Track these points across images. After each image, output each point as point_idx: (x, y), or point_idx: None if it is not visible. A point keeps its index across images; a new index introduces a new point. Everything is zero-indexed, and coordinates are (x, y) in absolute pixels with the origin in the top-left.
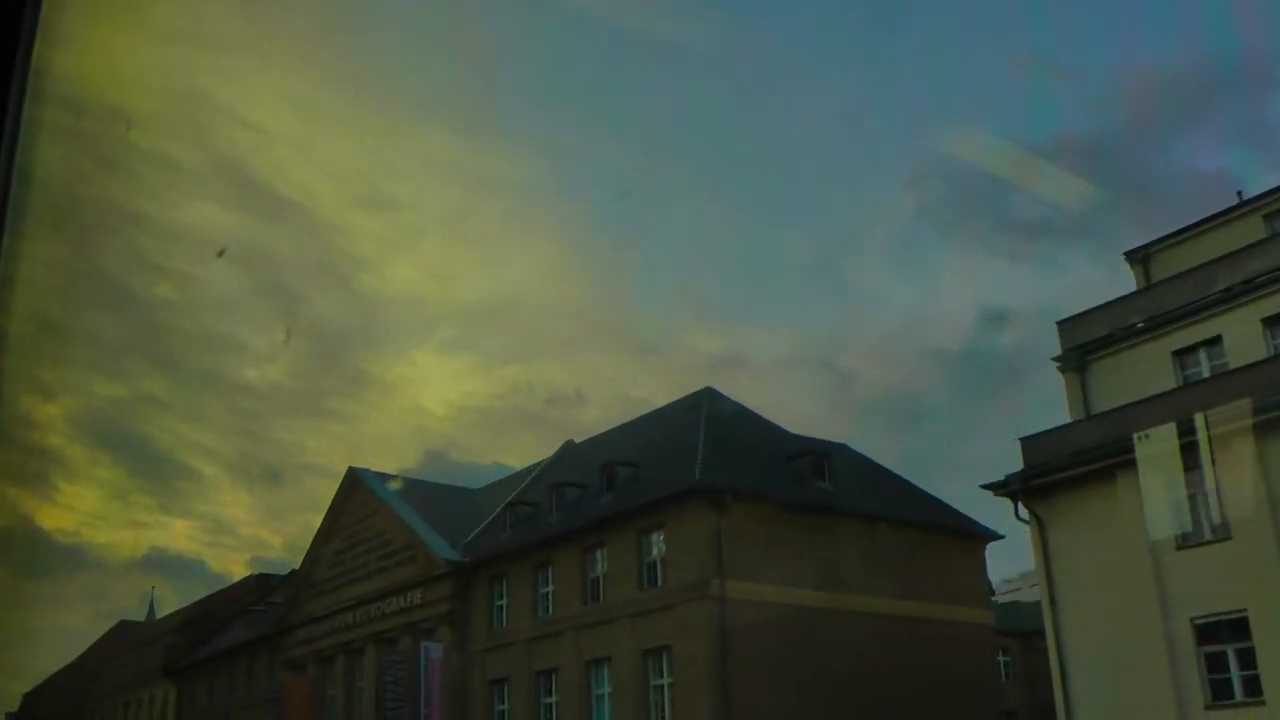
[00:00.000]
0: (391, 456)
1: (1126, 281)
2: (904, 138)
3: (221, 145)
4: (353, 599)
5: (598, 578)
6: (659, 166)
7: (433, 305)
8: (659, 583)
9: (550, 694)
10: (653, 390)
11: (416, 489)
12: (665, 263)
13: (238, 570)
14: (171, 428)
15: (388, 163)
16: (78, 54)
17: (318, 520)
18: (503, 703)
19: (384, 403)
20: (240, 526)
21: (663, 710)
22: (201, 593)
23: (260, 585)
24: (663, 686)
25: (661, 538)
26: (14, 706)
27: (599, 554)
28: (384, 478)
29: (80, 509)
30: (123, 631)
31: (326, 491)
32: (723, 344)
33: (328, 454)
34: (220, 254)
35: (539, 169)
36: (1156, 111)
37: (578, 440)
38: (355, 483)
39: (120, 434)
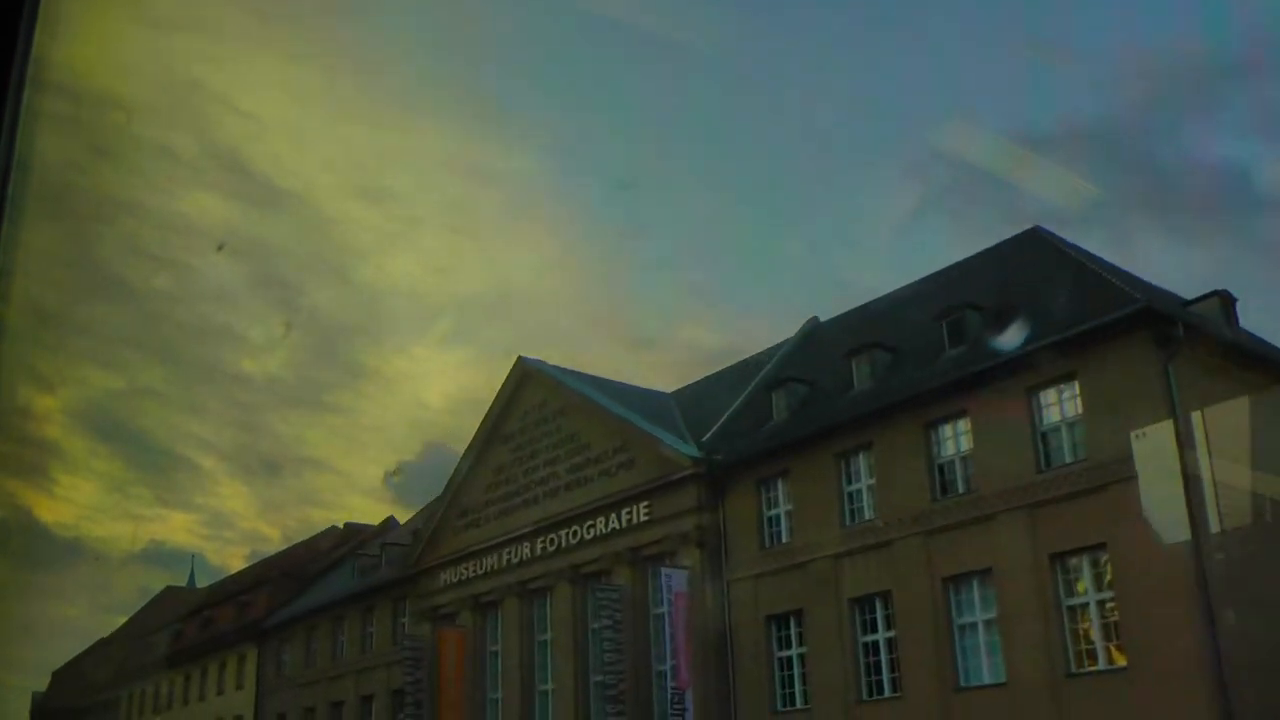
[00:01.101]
0: (390, 449)
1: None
2: (906, 128)
3: (218, 135)
4: (528, 525)
5: (951, 460)
6: (657, 159)
7: (432, 298)
8: (1068, 457)
9: (876, 628)
10: (653, 382)
11: (595, 386)
12: (664, 255)
13: (236, 564)
14: (169, 420)
15: (385, 153)
16: (76, 43)
17: (318, 514)
18: (791, 645)
19: (383, 396)
20: (239, 520)
21: (1088, 640)
22: (200, 585)
23: (349, 535)
24: (1088, 605)
25: (1071, 394)
26: (41, 685)
27: (951, 427)
28: (564, 372)
29: (79, 502)
30: (172, 598)
31: (325, 485)
32: (722, 337)
33: (326, 447)
34: (220, 249)
35: (537, 161)
36: (1162, 98)
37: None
38: (528, 378)
39: (118, 426)
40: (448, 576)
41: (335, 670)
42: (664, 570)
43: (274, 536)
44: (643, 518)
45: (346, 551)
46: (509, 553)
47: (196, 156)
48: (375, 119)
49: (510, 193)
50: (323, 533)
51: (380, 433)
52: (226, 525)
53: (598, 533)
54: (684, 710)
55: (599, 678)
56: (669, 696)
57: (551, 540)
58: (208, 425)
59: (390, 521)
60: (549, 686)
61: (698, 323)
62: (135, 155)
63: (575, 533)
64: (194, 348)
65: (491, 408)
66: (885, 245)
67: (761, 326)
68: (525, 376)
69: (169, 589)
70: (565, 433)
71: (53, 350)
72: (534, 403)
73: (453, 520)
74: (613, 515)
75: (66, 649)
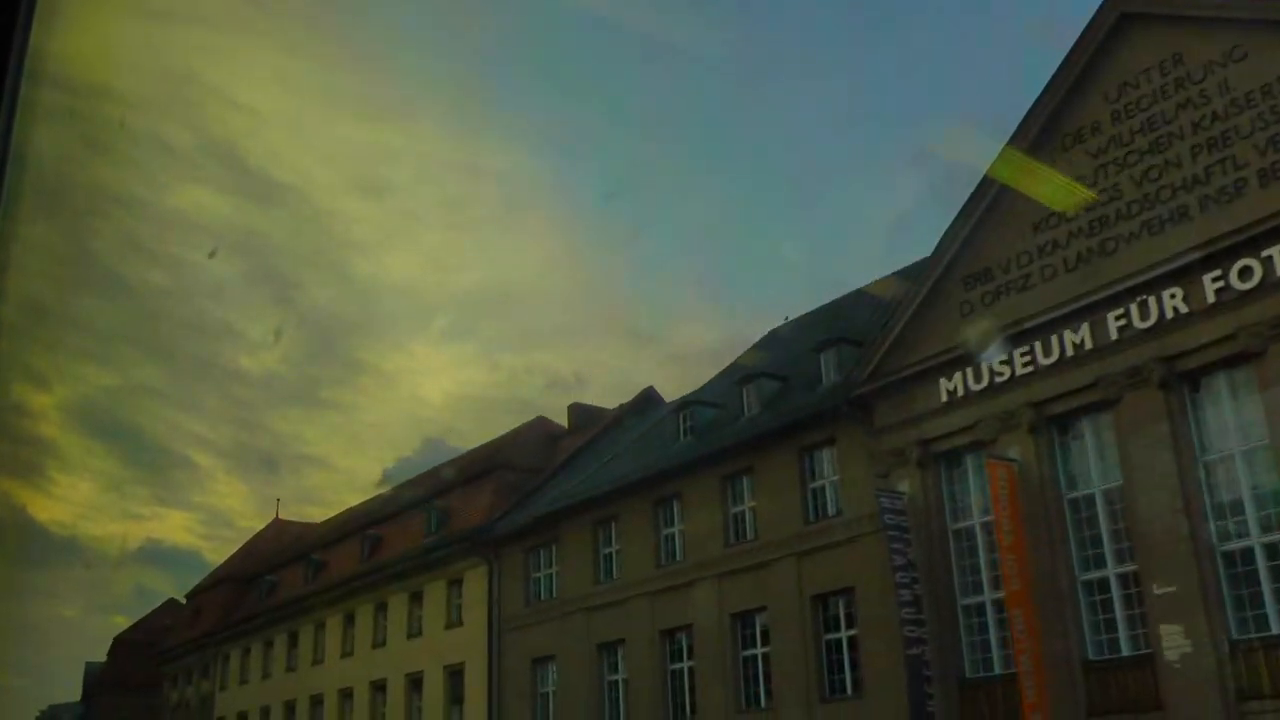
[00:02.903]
0: (389, 445)
1: None
2: (905, 121)
3: (215, 128)
4: (1190, 250)
5: None
6: (655, 157)
7: (430, 294)
8: None
9: None
10: (653, 376)
11: None
12: (662, 252)
13: None
14: (166, 417)
15: (384, 148)
16: (72, 35)
17: (317, 512)
18: None
19: (381, 392)
20: (237, 518)
21: None
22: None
23: (584, 418)
24: None
25: None
26: (100, 655)
27: None
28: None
29: (75, 500)
30: (284, 532)
31: (324, 482)
32: (721, 334)
33: (324, 444)
34: (211, 255)
35: (536, 159)
36: None
37: None
38: (1130, 28)
39: (115, 424)
40: (955, 385)
41: (660, 580)
42: None
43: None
44: None
45: (599, 430)
46: (1123, 317)
47: (193, 150)
48: (373, 114)
49: (509, 190)
50: (527, 424)
51: (379, 430)
52: (225, 524)
53: None
54: None
55: None
56: None
57: (1243, 271)
58: (205, 422)
59: (649, 391)
60: (1258, 537)
61: (695, 319)
62: (131, 149)
63: None
64: (191, 344)
65: (1044, 97)
66: (892, 233)
67: (760, 324)
68: (1123, 26)
69: (277, 520)
70: (1237, 93)
71: (48, 347)
72: (1144, 65)
73: (955, 294)
74: None
75: (64, 649)
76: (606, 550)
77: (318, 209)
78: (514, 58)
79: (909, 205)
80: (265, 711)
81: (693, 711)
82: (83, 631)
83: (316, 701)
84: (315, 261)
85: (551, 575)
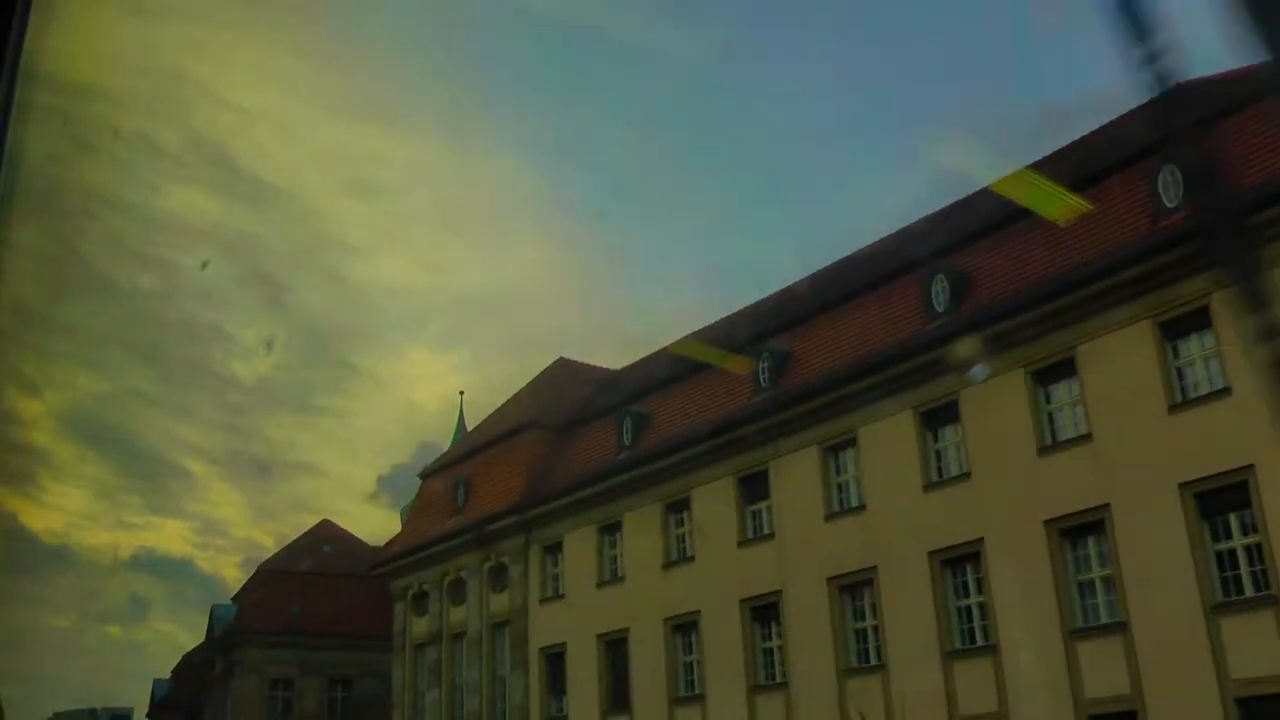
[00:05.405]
0: (384, 452)
1: None
2: (910, 118)
3: (205, 127)
4: None
5: None
6: (653, 158)
7: (425, 297)
8: None
9: None
10: None
11: None
12: (659, 257)
13: (229, 571)
14: (159, 424)
15: (377, 150)
16: (66, 34)
17: (312, 520)
18: None
19: (375, 397)
20: (231, 527)
21: None
22: (191, 593)
23: None
24: None
25: None
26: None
27: None
28: None
29: (67, 509)
30: (584, 370)
31: (318, 490)
32: None
33: (318, 451)
34: (204, 266)
35: (532, 161)
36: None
37: None
38: None
39: (107, 430)
40: None
41: None
42: None
43: (269, 544)
44: None
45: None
46: None
47: (183, 150)
48: (366, 115)
49: (504, 193)
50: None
51: (373, 436)
52: (219, 533)
53: None
54: None
55: None
56: None
57: None
58: (198, 429)
59: None
60: None
61: (693, 324)
62: (121, 149)
63: None
64: (182, 348)
65: None
66: (897, 226)
67: None
68: None
69: (561, 360)
70: None
71: (39, 352)
72: None
73: None
74: None
75: (60, 658)
76: None
77: (310, 211)
78: (509, 62)
79: (909, 206)
80: (682, 630)
81: None
82: (76, 640)
83: (848, 585)
84: (308, 264)
85: None
